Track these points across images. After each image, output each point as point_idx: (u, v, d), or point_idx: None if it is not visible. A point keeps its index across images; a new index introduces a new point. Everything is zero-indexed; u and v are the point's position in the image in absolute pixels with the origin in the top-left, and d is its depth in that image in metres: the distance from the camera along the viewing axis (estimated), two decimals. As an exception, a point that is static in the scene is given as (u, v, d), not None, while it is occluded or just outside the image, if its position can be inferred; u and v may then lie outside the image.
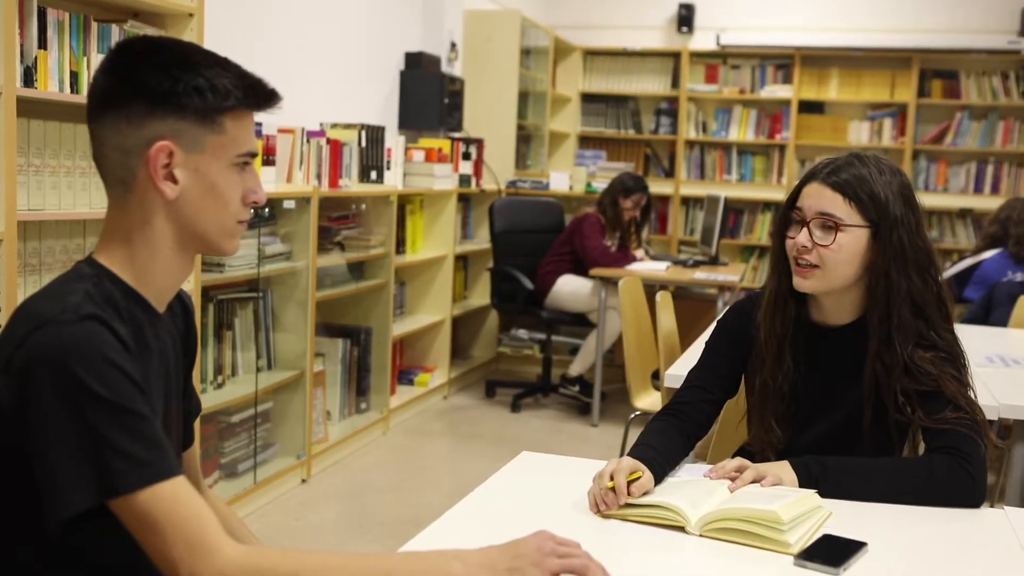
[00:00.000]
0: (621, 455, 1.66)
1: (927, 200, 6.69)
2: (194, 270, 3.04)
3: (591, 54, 7.44)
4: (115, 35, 2.76)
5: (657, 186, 6.87)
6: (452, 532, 1.47)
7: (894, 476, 1.66)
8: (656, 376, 3.78)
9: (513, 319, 6.08)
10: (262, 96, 1.28)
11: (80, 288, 1.20)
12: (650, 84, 7.35)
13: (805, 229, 1.74)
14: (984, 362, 2.88)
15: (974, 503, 1.64)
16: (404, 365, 5.27)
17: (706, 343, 1.96)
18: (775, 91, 7.07)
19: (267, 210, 3.74)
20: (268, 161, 3.66)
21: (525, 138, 6.76)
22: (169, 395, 1.34)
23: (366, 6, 5.00)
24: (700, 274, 5.17)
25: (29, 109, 2.48)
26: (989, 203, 6.34)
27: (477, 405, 5.37)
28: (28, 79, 2.47)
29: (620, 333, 4.50)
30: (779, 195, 6.79)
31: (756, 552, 1.42)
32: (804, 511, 1.50)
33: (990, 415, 2.20)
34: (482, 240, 5.90)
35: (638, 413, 3.50)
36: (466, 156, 5.54)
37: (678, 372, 2.38)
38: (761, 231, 7.15)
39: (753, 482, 1.61)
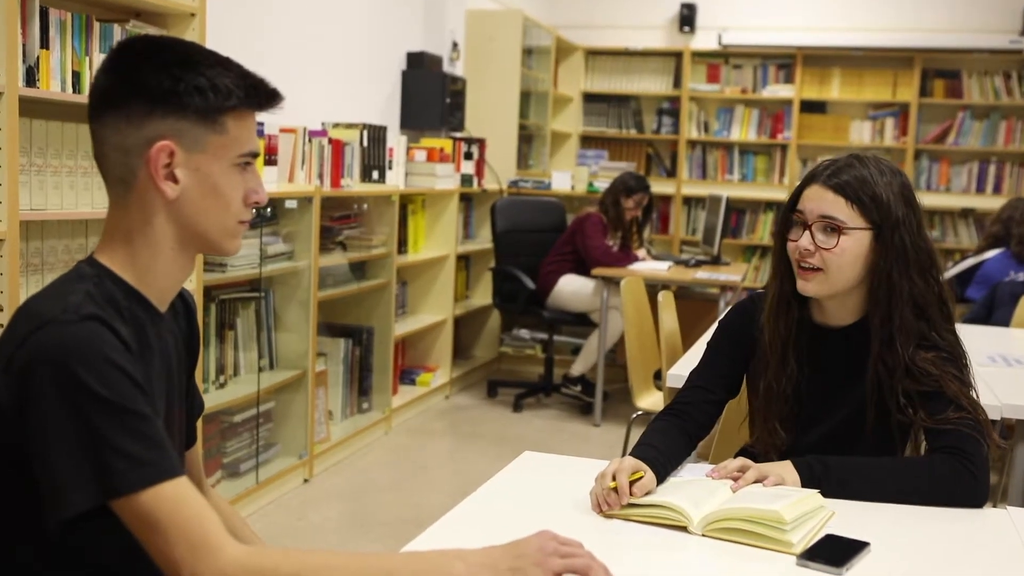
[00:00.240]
0: (623, 455, 1.66)
1: (929, 200, 6.74)
2: (196, 270, 3.04)
3: (593, 54, 7.44)
4: (117, 35, 2.76)
5: (659, 186, 6.87)
6: (454, 532, 1.47)
7: (897, 476, 1.66)
8: (658, 376, 3.78)
9: (515, 319, 6.08)
10: (264, 96, 1.28)
11: (81, 288, 1.20)
12: (652, 84, 7.35)
13: (807, 232, 1.74)
14: (986, 362, 2.87)
15: (977, 503, 1.63)
16: (406, 365, 5.27)
17: (708, 343, 1.96)
18: (777, 91, 7.06)
19: (269, 210, 3.74)
20: (270, 161, 3.66)
21: (527, 138, 6.76)
22: (171, 395, 1.34)
23: (368, 6, 5.00)
24: (702, 274, 5.17)
25: (31, 109, 2.48)
26: (991, 203, 6.34)
27: (479, 405, 5.37)
28: (30, 79, 2.47)
29: (622, 333, 4.51)
30: (781, 195, 6.78)
31: (758, 552, 1.42)
32: (806, 511, 1.49)
33: (992, 415, 2.19)
34: (484, 240, 5.90)
35: (640, 413, 3.50)
36: (468, 156, 5.54)
37: (680, 372, 2.38)
38: (763, 231, 7.15)
39: (755, 482, 1.61)
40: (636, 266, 5.14)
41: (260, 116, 1.33)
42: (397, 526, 3.52)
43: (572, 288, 5.22)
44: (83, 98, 2.63)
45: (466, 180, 5.48)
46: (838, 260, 1.72)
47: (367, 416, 4.56)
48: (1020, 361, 2.95)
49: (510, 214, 5.56)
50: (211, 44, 2.73)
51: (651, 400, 3.57)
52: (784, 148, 7.12)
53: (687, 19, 7.16)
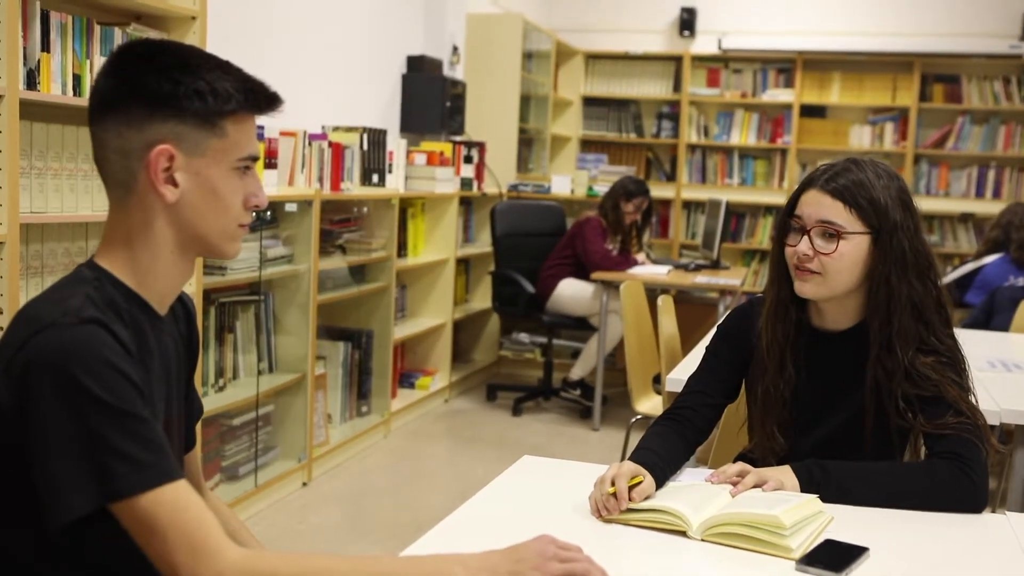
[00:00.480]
0: (622, 459, 1.66)
1: (928, 205, 6.74)
2: (195, 273, 3.04)
3: (593, 58, 7.45)
4: (118, 38, 2.76)
5: (658, 190, 6.87)
6: (453, 536, 1.47)
7: (896, 481, 1.66)
8: (657, 380, 3.77)
9: (514, 323, 6.08)
10: (264, 100, 1.28)
11: (81, 291, 1.20)
12: (652, 88, 7.36)
13: (806, 237, 1.74)
14: (986, 367, 2.87)
15: (976, 508, 1.63)
16: (405, 368, 5.27)
17: (706, 348, 1.96)
18: (777, 95, 7.07)
19: (269, 213, 3.74)
20: (270, 164, 3.67)
21: (527, 141, 6.77)
22: (171, 398, 1.34)
23: (368, 9, 5.01)
24: (701, 278, 5.17)
25: (32, 112, 2.48)
26: (990, 208, 6.35)
27: (478, 409, 5.36)
28: (31, 82, 2.47)
29: (621, 337, 4.51)
30: (780, 199, 6.79)
31: (758, 557, 1.42)
32: (806, 516, 1.49)
33: (992, 420, 2.19)
34: (483, 243, 5.90)
35: (639, 417, 3.50)
36: (468, 159, 5.54)
37: (679, 376, 2.38)
38: (763, 235, 7.15)
39: (755, 487, 1.61)
40: (635, 270, 5.14)
41: (260, 119, 1.33)
42: (396, 530, 3.52)
43: (571, 292, 5.22)
44: (84, 101, 2.63)
45: (466, 184, 5.48)
46: (837, 264, 1.72)
47: (366, 419, 4.55)
48: (1019, 366, 2.95)
49: (510, 218, 5.57)
50: (211, 48, 2.73)
51: (650, 404, 3.57)
52: (784, 152, 7.13)
53: (687, 23, 7.17)
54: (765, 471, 1.65)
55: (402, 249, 4.99)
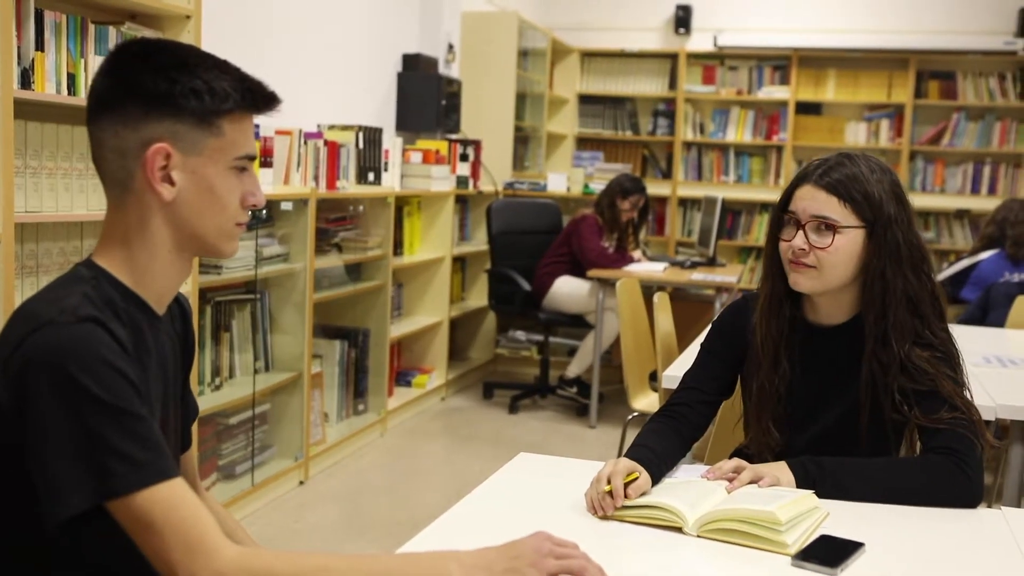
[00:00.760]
0: (619, 456, 1.66)
1: (924, 201, 6.76)
2: (191, 272, 3.03)
3: (588, 55, 7.45)
4: (112, 37, 2.75)
5: (655, 187, 6.88)
6: (449, 533, 1.47)
7: (891, 476, 1.66)
8: (654, 377, 3.78)
9: (511, 320, 6.08)
10: (261, 99, 1.28)
11: (78, 290, 1.20)
12: (647, 85, 7.36)
13: (801, 232, 1.74)
14: (981, 363, 2.88)
15: (971, 503, 1.64)
16: (402, 367, 5.26)
17: (701, 344, 1.97)
18: (772, 92, 7.08)
19: (264, 212, 3.74)
20: (265, 163, 3.66)
21: (523, 139, 6.76)
22: (167, 397, 1.34)
23: (363, 8, 5.00)
24: (698, 275, 5.17)
25: (26, 111, 2.47)
26: (986, 204, 6.35)
27: (475, 407, 5.37)
28: (25, 81, 2.47)
29: (618, 334, 4.50)
30: (776, 196, 6.75)
31: (754, 553, 1.43)
32: (802, 512, 1.50)
33: (987, 415, 2.20)
34: (480, 242, 5.90)
35: (636, 414, 3.50)
36: (464, 158, 5.54)
37: (676, 373, 2.37)
38: (758, 232, 7.16)
39: (750, 483, 1.61)
40: (632, 267, 5.15)
41: (256, 118, 1.33)
42: (393, 528, 3.52)
43: (568, 290, 5.23)
44: (78, 100, 2.63)
45: (462, 182, 5.48)
46: (832, 258, 1.73)
47: (363, 418, 4.55)
48: (1015, 362, 2.96)
49: (506, 216, 5.56)
50: (206, 46, 2.73)
51: (647, 401, 3.57)
52: (780, 150, 7.13)
53: (683, 21, 7.17)
54: (761, 467, 1.65)
55: (398, 247, 4.99)
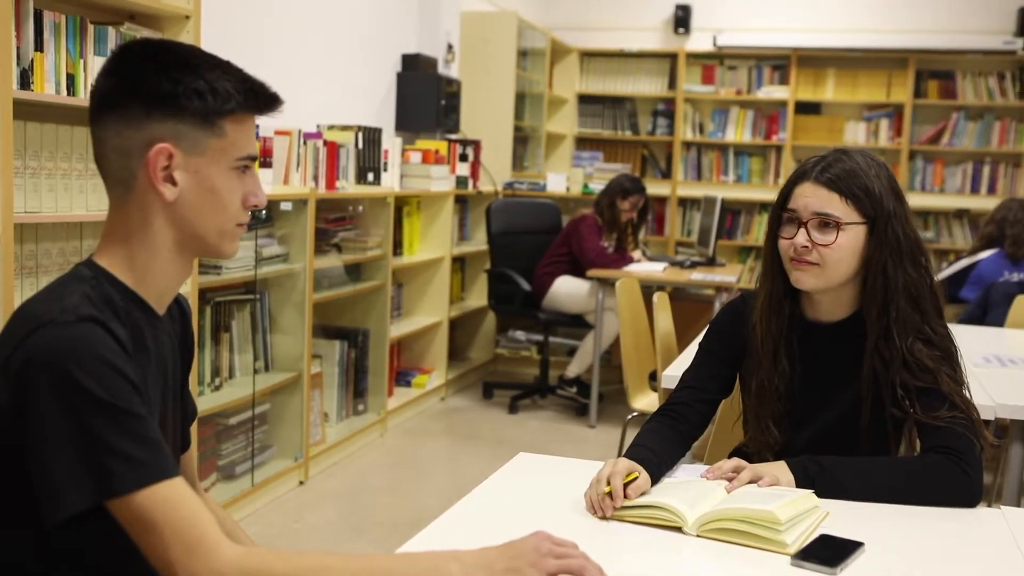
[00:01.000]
0: (618, 456, 1.66)
1: (923, 201, 6.76)
2: (192, 272, 3.03)
3: (588, 55, 7.45)
4: (112, 37, 2.75)
5: (654, 187, 6.88)
6: (450, 533, 1.47)
7: (890, 476, 1.66)
8: (653, 377, 3.78)
9: (510, 320, 6.08)
10: (263, 100, 1.29)
11: (79, 290, 1.21)
12: (647, 85, 7.36)
13: (803, 229, 1.74)
14: (981, 362, 2.88)
15: (970, 502, 1.64)
16: (401, 367, 5.26)
17: (700, 344, 1.97)
18: (772, 92, 7.08)
19: (264, 212, 3.74)
20: (265, 163, 3.66)
21: (522, 139, 6.77)
22: (167, 397, 1.34)
23: (362, 8, 5.00)
24: (697, 275, 5.17)
25: (26, 111, 2.47)
26: (985, 203, 6.35)
27: (475, 407, 5.37)
28: (24, 81, 2.47)
29: (617, 334, 4.50)
30: (776, 196, 6.79)
31: (753, 552, 1.43)
32: (801, 511, 1.50)
33: (987, 415, 2.20)
34: (479, 242, 5.90)
35: (636, 414, 3.50)
36: (463, 158, 5.54)
37: (675, 373, 2.37)
38: (758, 232, 7.16)
39: (750, 482, 1.61)
40: (631, 267, 5.15)
41: (256, 119, 1.33)
42: (393, 528, 3.52)
43: (567, 290, 5.23)
44: (78, 101, 2.63)
45: (461, 182, 5.48)
46: (835, 255, 1.73)
47: (363, 418, 4.55)
48: (1014, 361, 2.96)
49: (505, 216, 5.56)
50: (206, 47, 2.72)
51: (646, 401, 3.57)
52: (779, 149, 7.13)
53: (682, 21, 7.17)
54: (760, 467, 1.65)
55: (398, 247, 4.99)
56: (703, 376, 1.90)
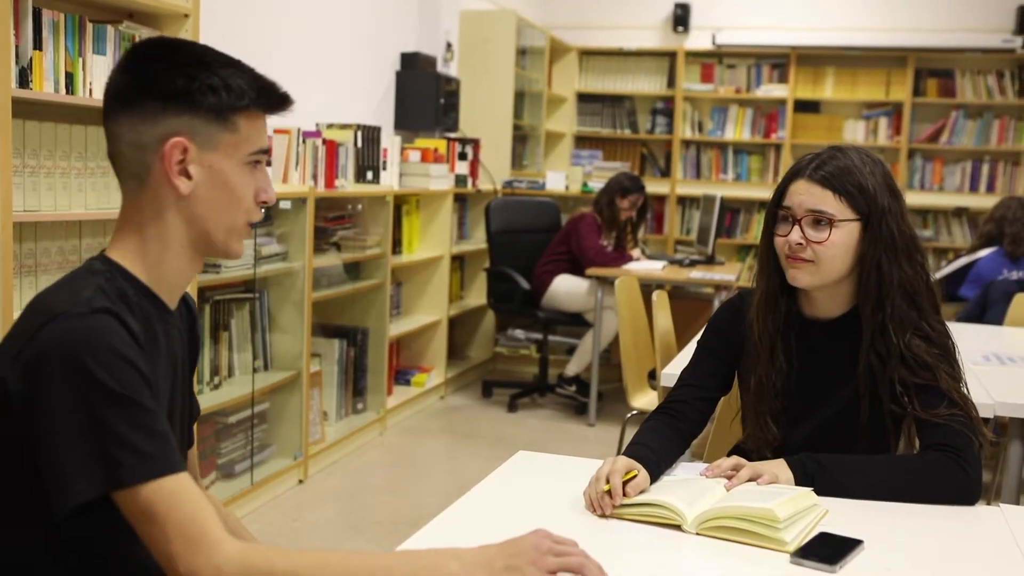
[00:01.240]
0: (617, 454, 1.66)
1: (922, 199, 6.76)
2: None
3: (587, 54, 7.45)
4: (110, 36, 2.75)
5: (653, 186, 6.87)
6: (449, 532, 1.47)
7: (889, 474, 1.66)
8: (653, 375, 3.78)
9: (510, 319, 6.08)
10: (275, 99, 1.32)
11: (93, 283, 1.23)
12: (646, 84, 7.36)
13: (797, 227, 1.74)
14: (980, 360, 2.88)
15: (969, 500, 1.64)
16: (401, 365, 5.26)
17: (698, 342, 1.97)
18: (771, 90, 7.08)
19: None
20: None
21: (521, 138, 6.76)
22: (175, 392, 1.36)
23: (362, 6, 5.00)
24: (696, 273, 5.17)
25: (24, 110, 2.47)
26: (984, 202, 6.36)
27: (474, 405, 5.37)
28: (23, 80, 2.46)
29: (616, 333, 4.51)
30: (775, 194, 6.79)
31: (752, 550, 1.43)
32: (800, 509, 1.50)
33: (986, 413, 2.20)
34: (478, 240, 5.90)
35: (635, 412, 3.50)
36: (462, 156, 5.54)
37: (674, 371, 2.37)
38: (757, 230, 7.15)
39: (749, 480, 1.61)
40: (631, 266, 5.15)
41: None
42: (392, 526, 3.52)
43: (567, 288, 5.23)
44: (76, 99, 2.63)
45: (460, 180, 5.48)
46: (829, 252, 1.73)
47: (362, 417, 4.55)
48: (1013, 359, 2.96)
49: (504, 214, 5.56)
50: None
51: (646, 400, 3.58)
52: (778, 148, 7.13)
53: (681, 19, 7.17)
54: (760, 465, 1.65)
55: (397, 246, 4.99)
56: (701, 374, 1.90)
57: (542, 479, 1.75)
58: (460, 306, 5.77)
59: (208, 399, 3.40)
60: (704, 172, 7.31)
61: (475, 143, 5.69)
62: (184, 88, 1.24)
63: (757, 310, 1.84)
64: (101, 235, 2.80)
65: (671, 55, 7.25)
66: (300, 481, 3.91)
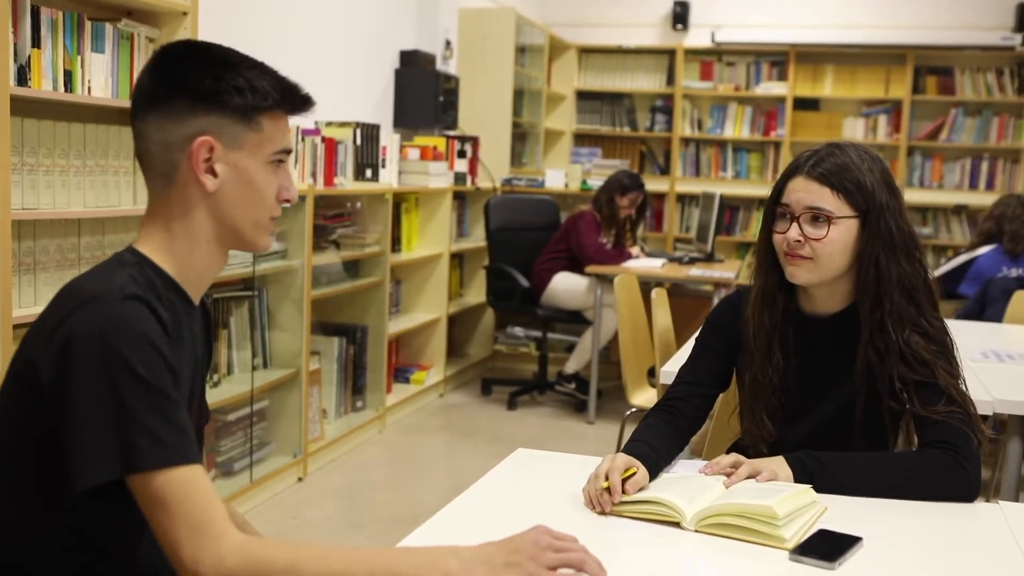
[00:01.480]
0: (616, 452, 1.66)
1: (922, 196, 6.76)
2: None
3: (586, 51, 7.44)
4: (109, 34, 2.75)
5: (653, 183, 6.87)
6: (448, 529, 1.47)
7: (888, 471, 1.66)
8: (652, 373, 3.78)
9: (509, 317, 6.08)
10: (298, 100, 1.36)
11: (124, 272, 1.26)
12: (645, 81, 7.36)
13: (795, 224, 1.74)
14: (979, 357, 2.88)
15: (968, 497, 1.64)
16: (400, 363, 5.27)
17: (696, 339, 1.97)
18: (770, 88, 7.08)
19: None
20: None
21: (520, 136, 6.76)
22: (195, 384, 1.39)
23: (361, 4, 5.00)
24: (695, 271, 5.18)
25: (23, 108, 2.47)
26: (984, 199, 6.36)
27: (473, 403, 5.37)
28: (22, 78, 2.46)
29: (616, 330, 4.51)
30: (774, 192, 6.79)
31: (751, 547, 1.43)
32: (799, 506, 1.50)
33: (985, 410, 2.20)
34: (478, 238, 5.90)
35: (634, 410, 3.50)
36: (461, 154, 5.54)
37: (674, 369, 2.37)
38: (756, 228, 7.11)
39: (748, 477, 1.61)
40: (630, 263, 5.14)
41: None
42: (391, 524, 3.52)
43: (566, 286, 5.23)
44: (75, 97, 2.63)
45: (460, 178, 5.48)
46: (828, 249, 1.73)
47: (361, 414, 4.56)
48: (1012, 357, 2.96)
49: (504, 212, 5.56)
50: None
51: (645, 397, 3.58)
52: (777, 145, 7.13)
53: (680, 17, 7.17)
54: (759, 462, 1.65)
55: (396, 244, 4.99)
56: (700, 371, 1.90)
57: (541, 477, 1.75)
58: (459, 304, 5.77)
59: (208, 397, 3.38)
60: (703, 170, 7.31)
61: (474, 141, 5.69)
62: (212, 88, 1.28)
63: (753, 306, 1.84)
64: (100, 233, 2.80)
65: (670, 53, 7.25)
66: (299, 479, 3.91)
